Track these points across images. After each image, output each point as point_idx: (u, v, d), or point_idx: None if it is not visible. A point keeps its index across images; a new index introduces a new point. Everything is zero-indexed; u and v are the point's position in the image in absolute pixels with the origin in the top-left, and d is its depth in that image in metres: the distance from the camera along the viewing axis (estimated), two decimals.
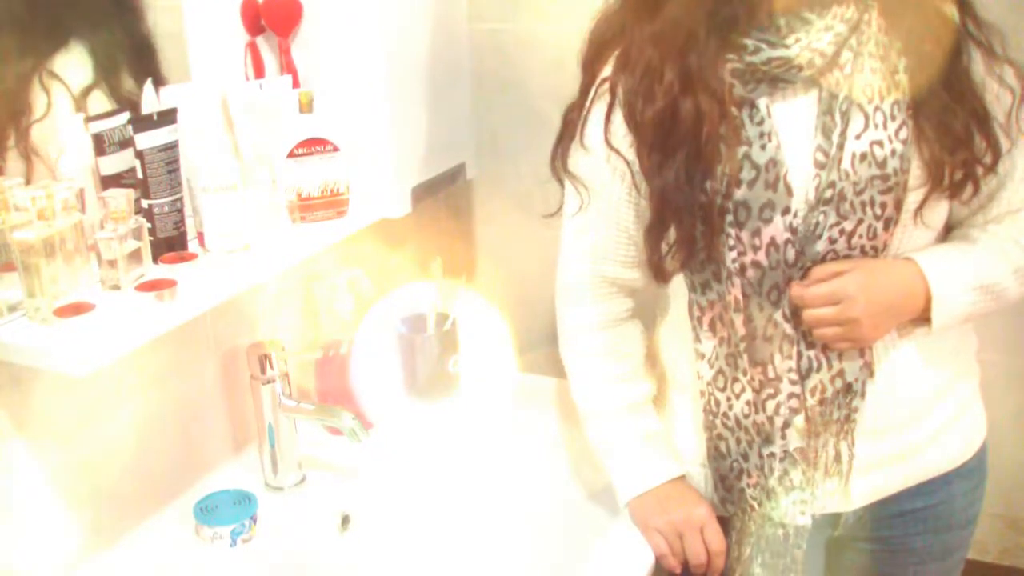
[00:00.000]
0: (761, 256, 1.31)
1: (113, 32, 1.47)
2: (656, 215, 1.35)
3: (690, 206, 1.31)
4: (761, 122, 1.28)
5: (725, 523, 1.48)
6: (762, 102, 1.28)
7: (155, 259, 1.42)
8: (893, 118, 1.27)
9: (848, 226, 1.29)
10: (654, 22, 1.29)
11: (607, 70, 1.36)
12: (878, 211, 1.29)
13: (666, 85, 1.28)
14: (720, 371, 1.40)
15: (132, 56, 1.50)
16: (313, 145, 1.62)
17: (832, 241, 1.30)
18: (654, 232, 1.37)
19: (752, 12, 1.25)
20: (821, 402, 1.37)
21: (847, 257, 1.32)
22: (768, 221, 1.29)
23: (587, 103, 1.38)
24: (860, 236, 1.30)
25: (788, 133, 1.28)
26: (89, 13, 1.45)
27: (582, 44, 1.39)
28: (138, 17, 1.51)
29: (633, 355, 1.53)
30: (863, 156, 1.27)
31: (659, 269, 1.40)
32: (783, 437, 1.38)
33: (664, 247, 1.37)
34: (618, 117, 1.34)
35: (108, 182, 1.41)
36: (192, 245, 1.50)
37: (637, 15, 1.32)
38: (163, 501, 1.62)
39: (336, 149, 1.63)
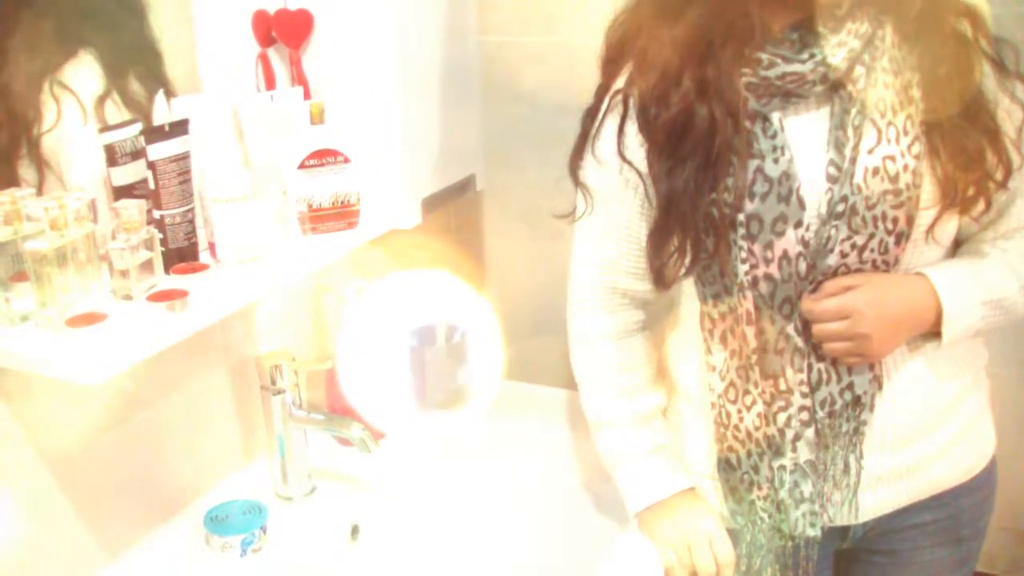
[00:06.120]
0: (773, 269, 1.31)
1: (120, 39, 1.48)
2: (661, 220, 1.35)
3: (695, 214, 1.31)
4: (774, 136, 1.28)
5: (734, 535, 1.48)
6: (775, 116, 1.28)
7: (166, 269, 1.43)
8: (906, 133, 1.27)
9: (860, 240, 1.29)
10: (675, 27, 1.28)
11: (620, 81, 1.36)
12: (890, 226, 1.29)
13: (683, 91, 1.28)
14: (731, 383, 1.40)
15: (139, 62, 1.50)
16: (324, 156, 1.62)
17: (844, 255, 1.30)
18: (656, 237, 1.37)
19: (767, 26, 1.25)
20: (830, 415, 1.37)
21: (859, 271, 1.32)
22: (780, 234, 1.29)
23: (600, 114, 1.39)
24: (872, 251, 1.30)
25: (801, 147, 1.29)
26: (96, 21, 1.45)
27: (601, 46, 1.39)
28: (143, 22, 1.51)
29: (643, 367, 1.53)
30: (875, 171, 1.27)
31: (660, 275, 1.41)
32: (794, 450, 1.38)
33: (666, 254, 1.37)
34: (631, 129, 1.34)
35: (120, 193, 1.41)
36: (203, 256, 1.51)
37: (656, 19, 1.31)
38: (173, 511, 1.63)
39: (347, 160, 1.63)
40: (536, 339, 2.08)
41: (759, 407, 1.38)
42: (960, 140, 1.28)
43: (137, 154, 1.41)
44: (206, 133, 1.51)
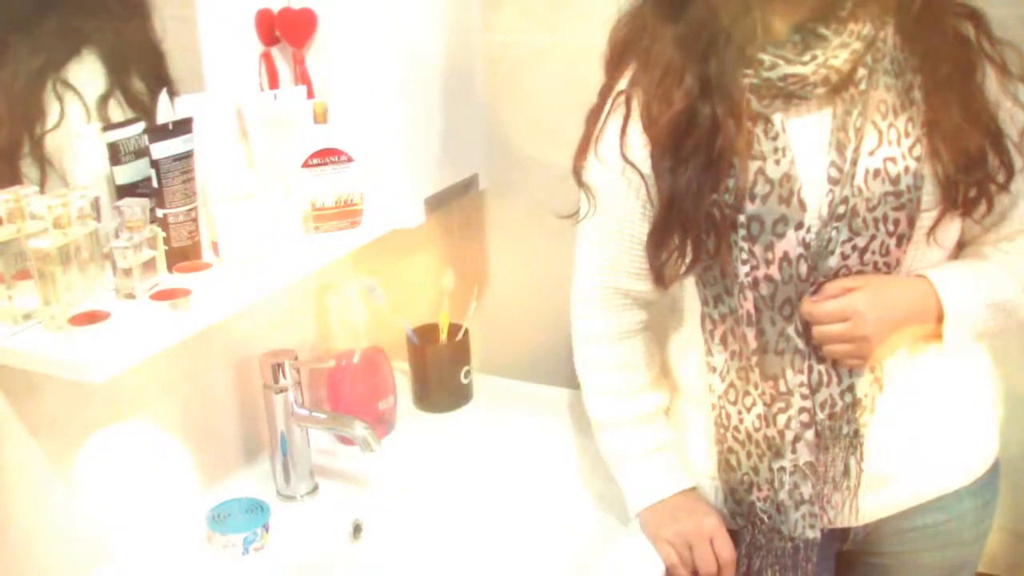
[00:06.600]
0: (774, 271, 1.31)
1: (123, 37, 1.48)
2: (662, 219, 1.35)
3: (697, 213, 1.31)
4: (776, 137, 1.28)
5: (735, 535, 1.48)
6: (777, 117, 1.28)
7: (170, 268, 1.43)
8: (907, 135, 1.27)
9: (861, 242, 1.29)
10: (677, 24, 1.29)
11: (623, 82, 1.37)
12: (891, 228, 1.29)
13: (685, 88, 1.28)
14: (731, 384, 1.40)
15: (142, 61, 1.51)
16: (327, 155, 1.62)
17: (845, 257, 1.30)
18: (657, 235, 1.37)
19: (769, 26, 1.26)
20: (830, 416, 1.37)
21: (860, 273, 1.32)
22: (781, 236, 1.29)
23: (603, 114, 1.39)
24: (873, 252, 1.30)
25: (802, 149, 1.29)
26: (99, 19, 1.45)
27: (605, 46, 1.39)
28: (146, 21, 1.51)
29: (645, 367, 1.53)
30: (876, 173, 1.27)
31: (659, 274, 1.41)
32: (793, 451, 1.38)
33: (664, 254, 1.38)
34: (633, 130, 1.35)
35: (123, 191, 1.42)
36: (206, 255, 1.51)
37: (660, 19, 1.32)
38: (175, 509, 1.63)
39: (350, 159, 1.63)
40: (538, 338, 2.08)
41: (759, 408, 1.38)
42: (961, 142, 1.27)
43: (141, 152, 1.42)
44: (209, 132, 1.51)
